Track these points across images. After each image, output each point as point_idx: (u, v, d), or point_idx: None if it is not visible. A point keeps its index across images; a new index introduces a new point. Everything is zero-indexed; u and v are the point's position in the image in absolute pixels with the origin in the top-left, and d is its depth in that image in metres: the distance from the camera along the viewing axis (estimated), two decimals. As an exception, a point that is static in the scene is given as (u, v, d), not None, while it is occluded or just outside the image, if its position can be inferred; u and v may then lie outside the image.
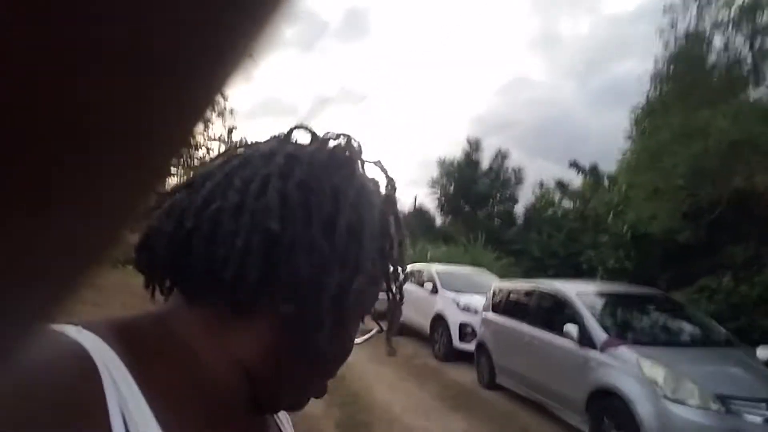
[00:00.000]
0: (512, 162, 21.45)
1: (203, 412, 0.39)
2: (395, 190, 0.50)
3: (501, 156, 21.11)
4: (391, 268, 0.49)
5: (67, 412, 0.30)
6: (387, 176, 0.50)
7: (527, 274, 10.82)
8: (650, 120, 8.53)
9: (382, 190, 0.49)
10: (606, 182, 14.51)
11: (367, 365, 6.99)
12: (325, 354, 0.44)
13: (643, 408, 3.88)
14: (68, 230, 0.09)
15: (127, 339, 0.37)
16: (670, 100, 8.04)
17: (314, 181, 0.42)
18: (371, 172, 0.49)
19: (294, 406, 0.48)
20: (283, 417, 0.55)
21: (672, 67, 8.18)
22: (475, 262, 12.16)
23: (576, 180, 16.58)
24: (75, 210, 0.09)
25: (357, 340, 0.51)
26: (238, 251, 0.39)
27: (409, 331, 9.28)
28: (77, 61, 0.08)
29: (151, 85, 0.09)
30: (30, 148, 0.08)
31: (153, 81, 0.09)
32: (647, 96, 8.77)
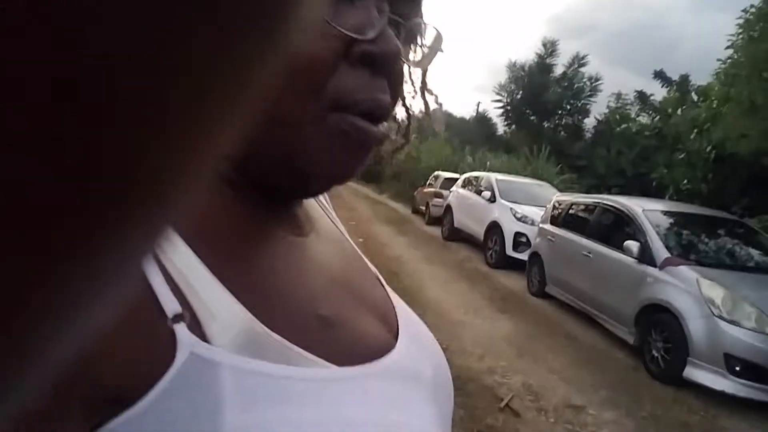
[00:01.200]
0: (589, 69, 19.86)
1: (227, 229, 0.33)
2: None
3: (578, 62, 19.51)
4: None
5: None
6: None
7: (588, 192, 10.51)
8: (763, 24, 7.48)
9: None
10: (694, 97, 13.22)
11: (419, 264, 7.32)
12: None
13: (695, 324, 3.89)
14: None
15: None
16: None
17: None
18: None
19: (305, 170, 0.32)
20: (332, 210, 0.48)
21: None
22: (536, 175, 11.87)
23: (659, 93, 15.23)
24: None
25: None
26: None
27: (462, 237, 9.49)
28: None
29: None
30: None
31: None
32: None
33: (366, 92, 0.31)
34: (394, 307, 0.42)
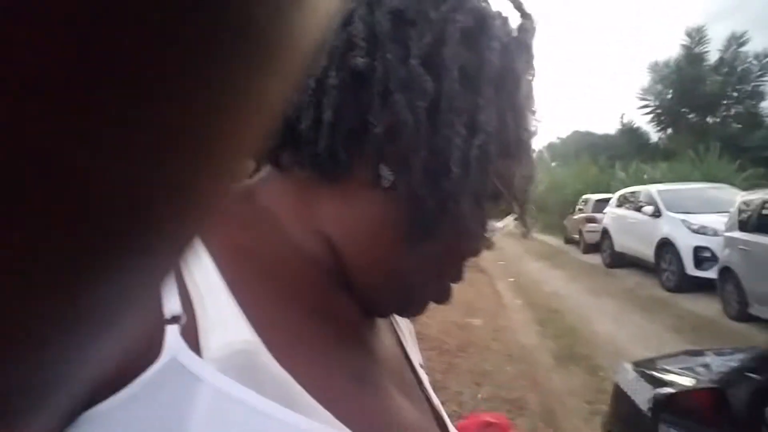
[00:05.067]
0: (753, 47, 17.02)
1: (285, 283, 0.32)
2: (532, 29, 0.36)
3: (736, 42, 16.88)
4: (524, 132, 0.36)
5: None
6: (521, 10, 0.36)
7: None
8: None
9: (514, 28, 0.36)
10: None
11: (583, 297, 6.62)
12: (429, 234, 0.33)
13: None
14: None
15: None
16: None
17: (411, 9, 0.32)
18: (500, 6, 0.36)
19: (404, 308, 0.39)
20: (406, 330, 0.48)
21: None
22: (707, 178, 10.23)
23: None
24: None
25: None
26: (314, 97, 0.31)
27: (627, 262, 8.44)
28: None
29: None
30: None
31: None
32: None
33: (463, 271, 0.39)
34: None
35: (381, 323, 0.42)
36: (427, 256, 0.34)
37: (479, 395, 3.11)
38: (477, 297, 6.25)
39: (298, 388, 0.26)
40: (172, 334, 0.24)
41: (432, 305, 0.40)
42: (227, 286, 0.28)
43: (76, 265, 0.07)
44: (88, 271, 0.08)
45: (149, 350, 0.24)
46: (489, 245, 0.39)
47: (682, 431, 1.62)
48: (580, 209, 12.81)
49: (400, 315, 0.40)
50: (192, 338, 0.25)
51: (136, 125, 0.07)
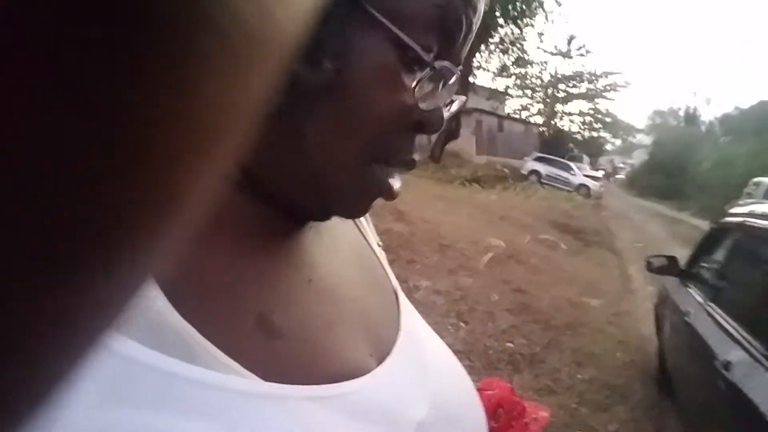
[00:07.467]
0: None
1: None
2: None
3: None
4: None
5: None
6: None
7: None
8: None
9: None
10: None
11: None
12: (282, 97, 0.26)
13: None
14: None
15: None
16: None
17: None
18: None
19: (329, 203, 0.32)
20: (364, 219, 0.44)
21: None
22: None
23: None
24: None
25: None
26: None
27: None
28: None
29: None
30: None
31: None
32: None
33: (407, 153, 0.32)
34: (399, 329, 0.36)
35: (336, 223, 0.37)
36: (314, 131, 0.28)
37: (579, 375, 3.05)
38: (602, 278, 5.86)
39: (201, 340, 0.24)
40: None
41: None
42: None
43: (41, 273, 0.07)
44: (51, 281, 0.07)
45: None
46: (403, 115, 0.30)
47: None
48: (748, 194, 11.03)
49: (338, 214, 0.33)
50: None
51: (121, 126, 0.07)
